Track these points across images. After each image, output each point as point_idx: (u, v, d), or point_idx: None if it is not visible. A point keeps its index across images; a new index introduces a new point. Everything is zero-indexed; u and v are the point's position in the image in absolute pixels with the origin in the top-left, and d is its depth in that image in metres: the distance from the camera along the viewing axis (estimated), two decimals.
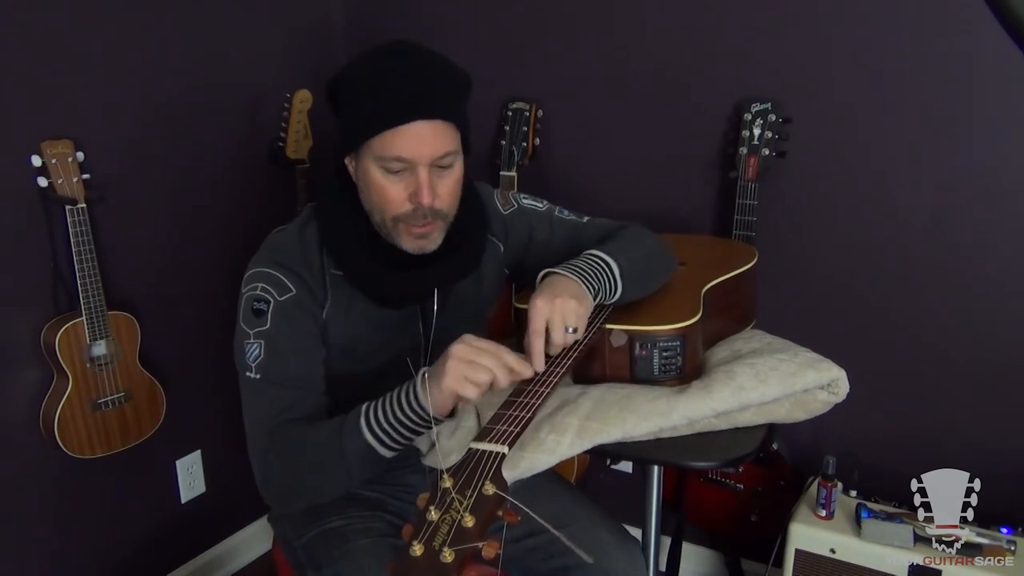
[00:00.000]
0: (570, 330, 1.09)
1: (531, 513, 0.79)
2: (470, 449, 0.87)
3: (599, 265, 1.20)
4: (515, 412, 0.96)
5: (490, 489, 0.78)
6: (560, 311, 1.08)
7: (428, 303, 1.27)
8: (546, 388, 1.02)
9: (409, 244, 1.18)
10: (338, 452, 1.06)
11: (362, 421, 1.06)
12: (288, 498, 1.16)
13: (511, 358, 1.00)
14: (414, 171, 1.12)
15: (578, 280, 1.15)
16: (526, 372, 1.02)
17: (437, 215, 1.16)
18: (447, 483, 0.78)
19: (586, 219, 1.41)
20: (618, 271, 1.21)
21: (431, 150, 1.11)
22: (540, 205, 1.39)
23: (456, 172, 1.17)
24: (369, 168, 1.14)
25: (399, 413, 1.04)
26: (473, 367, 0.98)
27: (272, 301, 1.16)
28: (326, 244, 1.21)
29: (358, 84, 1.13)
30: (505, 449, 0.87)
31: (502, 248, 1.35)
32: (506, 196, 1.37)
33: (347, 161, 1.20)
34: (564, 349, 1.11)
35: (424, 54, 1.15)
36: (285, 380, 1.16)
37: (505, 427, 0.93)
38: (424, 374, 1.03)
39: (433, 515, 0.74)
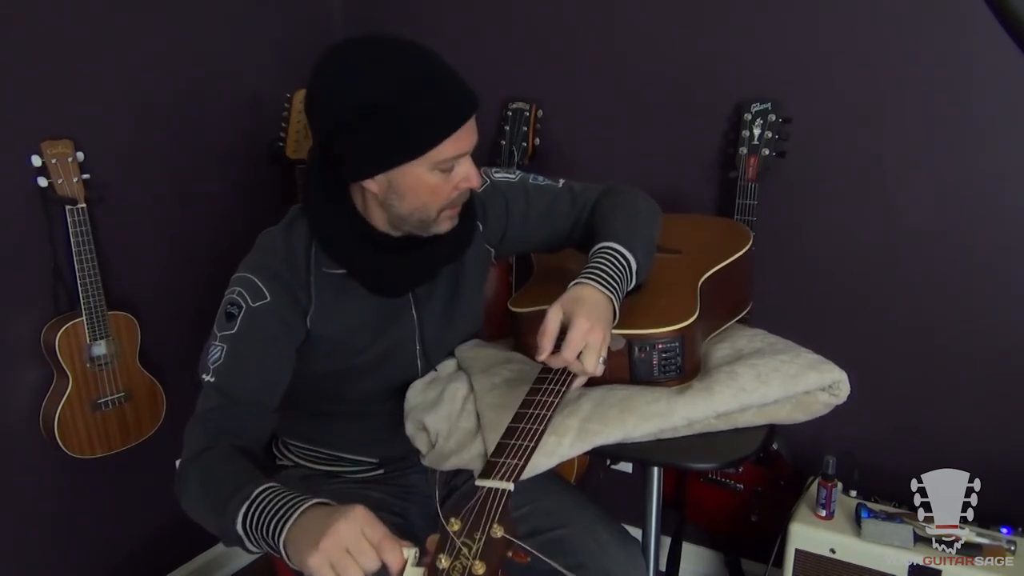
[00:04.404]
0: (601, 360, 1.09)
1: (541, 556, 0.79)
2: (476, 487, 0.86)
3: (625, 271, 1.20)
4: (519, 441, 0.95)
5: (498, 532, 0.77)
6: (598, 343, 1.08)
7: (418, 289, 1.28)
8: (549, 411, 1.01)
9: (447, 226, 1.20)
10: (218, 516, 0.98)
11: (239, 517, 0.95)
12: (186, 508, 1.09)
13: (397, 565, 0.83)
14: (460, 161, 1.14)
15: (614, 300, 1.15)
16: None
17: (469, 192, 1.20)
18: (454, 527, 0.78)
19: (562, 183, 1.41)
20: (635, 267, 1.22)
21: (475, 137, 1.15)
22: (512, 176, 1.39)
23: None
24: (419, 174, 1.11)
25: (268, 535, 0.92)
26: (346, 561, 0.83)
27: (244, 307, 1.15)
28: (318, 241, 1.20)
29: (405, 100, 1.07)
30: (510, 486, 0.86)
31: (480, 227, 1.35)
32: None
33: (369, 182, 1.14)
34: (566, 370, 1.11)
35: (427, 50, 1.12)
36: (236, 391, 1.13)
37: (510, 460, 0.91)
38: (297, 515, 0.90)
39: (444, 563, 0.74)
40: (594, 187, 1.42)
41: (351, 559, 0.83)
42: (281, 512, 0.91)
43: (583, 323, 1.08)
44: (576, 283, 1.16)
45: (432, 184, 1.13)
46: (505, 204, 1.36)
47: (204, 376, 1.15)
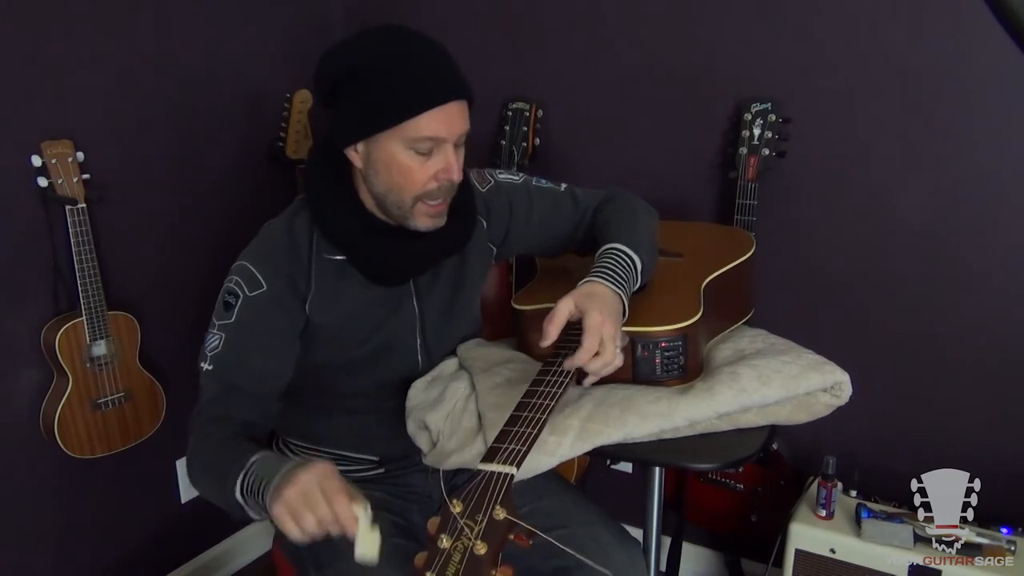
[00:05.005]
0: (618, 348, 1.10)
1: (545, 536, 0.79)
2: (478, 471, 0.86)
3: (632, 271, 1.21)
4: (521, 428, 0.95)
5: (500, 514, 0.77)
6: (613, 341, 1.08)
7: (419, 280, 1.29)
8: (552, 401, 1.01)
9: (425, 223, 1.19)
10: (221, 489, 1.04)
11: (238, 483, 1.01)
12: (195, 486, 1.17)
13: (346, 517, 0.90)
14: (440, 149, 1.14)
15: (623, 298, 1.16)
16: (349, 534, 0.91)
17: (453, 190, 1.19)
18: (456, 508, 0.78)
19: (563, 187, 1.42)
20: (640, 268, 1.23)
21: (460, 128, 1.15)
22: (516, 178, 1.40)
23: (463, 149, 1.20)
24: (394, 151, 1.13)
25: (260, 499, 0.98)
26: (304, 511, 0.90)
27: (241, 296, 1.16)
28: (319, 228, 1.21)
29: (384, 69, 1.11)
30: (514, 470, 0.86)
31: (485, 225, 1.36)
32: (482, 174, 1.39)
33: (350, 150, 1.17)
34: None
35: (428, 37, 1.16)
36: (234, 379, 1.15)
37: (513, 446, 0.92)
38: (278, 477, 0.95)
39: (445, 543, 0.74)
40: (595, 192, 1.44)
41: (307, 508, 0.90)
42: (268, 474, 0.97)
43: (597, 316, 1.09)
44: (587, 280, 1.17)
45: (404, 164, 1.14)
46: (508, 204, 1.37)
47: (203, 364, 1.17)
